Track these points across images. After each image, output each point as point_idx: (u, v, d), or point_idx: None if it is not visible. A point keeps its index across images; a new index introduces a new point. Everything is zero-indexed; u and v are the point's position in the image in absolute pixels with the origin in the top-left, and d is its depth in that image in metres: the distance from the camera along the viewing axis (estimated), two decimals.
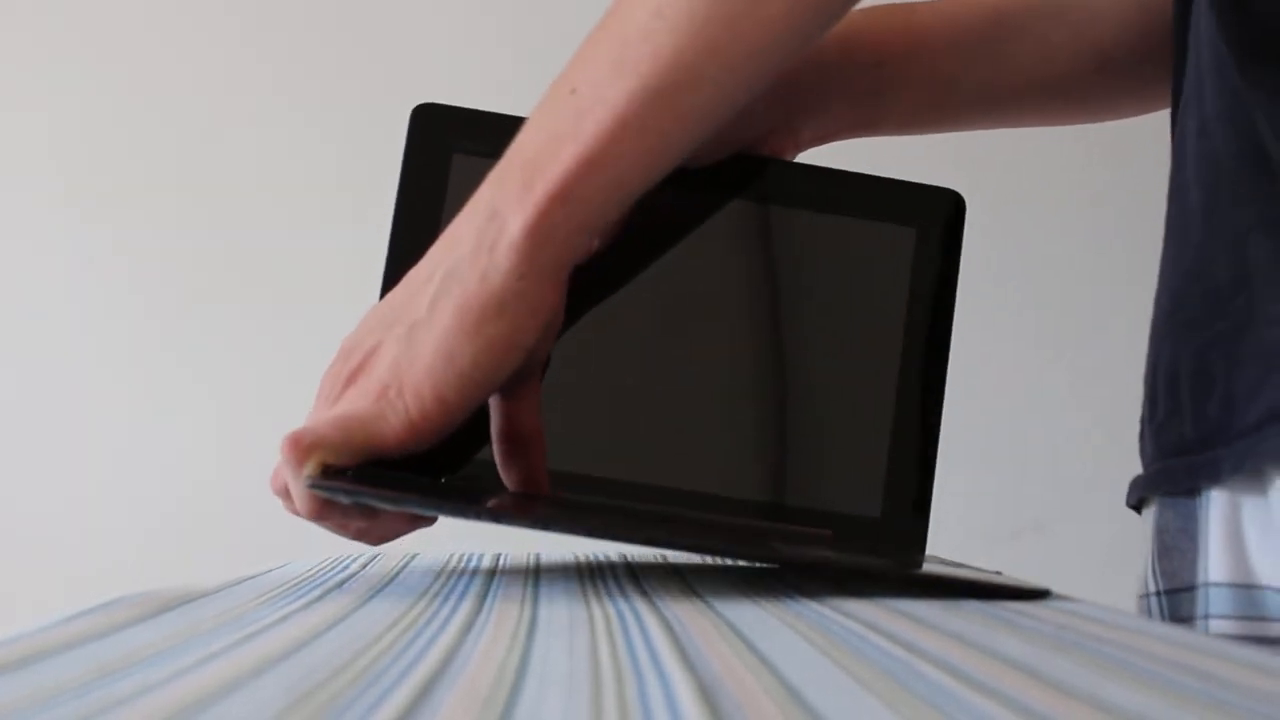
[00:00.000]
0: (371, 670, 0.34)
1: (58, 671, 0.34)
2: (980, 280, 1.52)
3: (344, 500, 0.54)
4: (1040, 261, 1.52)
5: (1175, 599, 0.64)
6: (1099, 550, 1.40)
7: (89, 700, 0.31)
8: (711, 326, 0.63)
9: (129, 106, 1.42)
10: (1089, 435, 1.43)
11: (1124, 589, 0.69)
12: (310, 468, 0.53)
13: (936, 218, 0.63)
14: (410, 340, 0.56)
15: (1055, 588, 0.52)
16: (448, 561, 0.68)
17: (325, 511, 0.56)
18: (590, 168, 0.55)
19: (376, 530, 0.58)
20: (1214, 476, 0.61)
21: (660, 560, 0.71)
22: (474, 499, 0.53)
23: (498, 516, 0.50)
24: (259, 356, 1.40)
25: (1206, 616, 0.61)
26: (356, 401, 0.56)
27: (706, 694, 0.32)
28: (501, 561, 0.68)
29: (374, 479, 0.53)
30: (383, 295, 0.61)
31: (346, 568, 0.65)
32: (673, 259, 0.63)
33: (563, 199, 0.55)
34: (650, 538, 0.48)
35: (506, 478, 0.61)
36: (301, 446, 0.54)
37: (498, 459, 0.61)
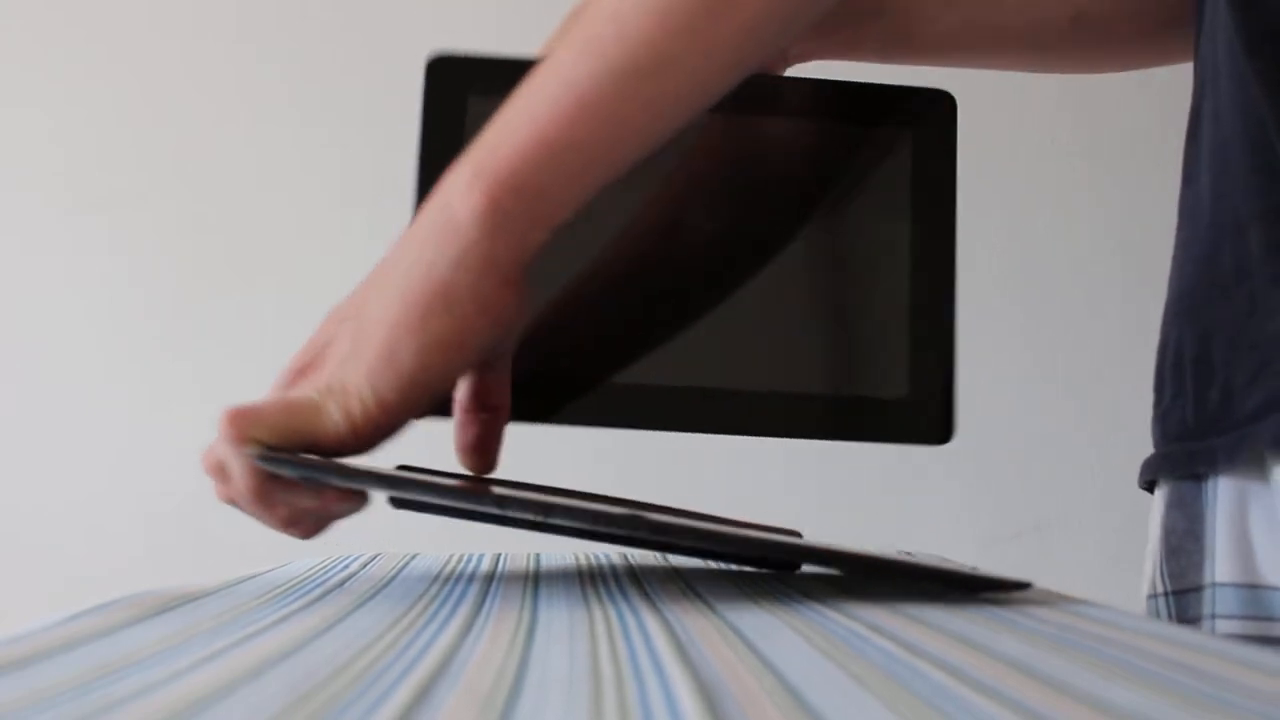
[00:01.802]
0: (371, 670, 0.34)
1: (58, 671, 0.34)
2: (980, 281, 1.52)
3: (290, 474, 0.51)
4: (1040, 262, 1.52)
5: (1183, 600, 0.64)
6: (1099, 550, 1.40)
7: (89, 700, 0.31)
8: (726, 236, 0.64)
9: (129, 106, 1.42)
10: (1089, 436, 1.43)
11: (1123, 588, 0.69)
12: (252, 445, 0.51)
13: (931, 117, 0.64)
14: (357, 336, 0.53)
15: (1055, 588, 0.52)
16: (447, 562, 0.68)
17: (264, 491, 0.52)
18: (545, 153, 0.51)
19: (309, 518, 0.54)
20: (1211, 463, 0.61)
21: (661, 561, 0.71)
22: (432, 485, 0.51)
23: (480, 500, 0.50)
24: (259, 356, 1.40)
25: (1214, 616, 0.61)
26: (303, 390, 0.53)
27: (707, 695, 0.32)
28: (501, 562, 0.68)
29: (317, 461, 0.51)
30: None
31: (346, 567, 0.65)
32: (678, 173, 0.64)
33: (515, 189, 0.51)
34: (670, 542, 0.48)
35: (460, 438, 0.59)
36: (244, 421, 0.51)
37: (456, 417, 0.59)
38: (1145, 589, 0.68)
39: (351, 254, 1.38)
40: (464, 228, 0.51)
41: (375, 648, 0.38)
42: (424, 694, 0.32)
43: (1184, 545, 0.64)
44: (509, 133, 0.52)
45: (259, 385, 1.50)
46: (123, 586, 0.53)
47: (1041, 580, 0.50)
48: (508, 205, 0.51)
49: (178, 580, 0.51)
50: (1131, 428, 1.45)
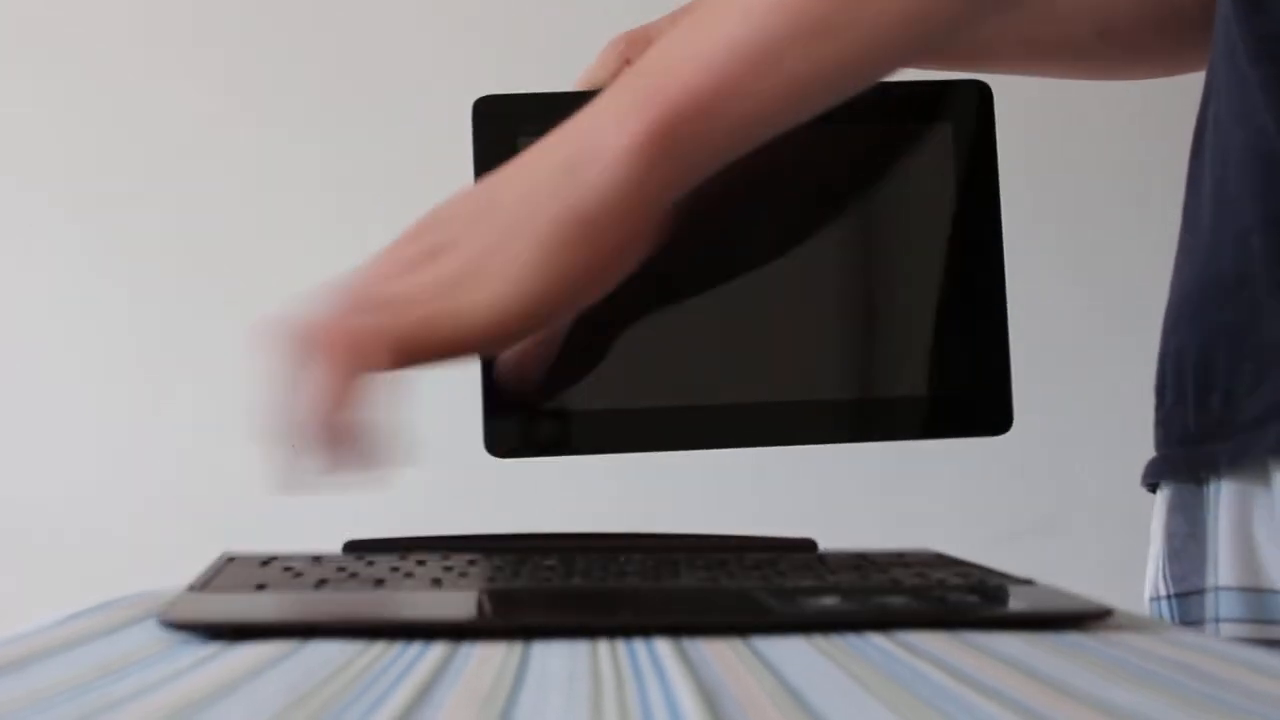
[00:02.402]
0: (371, 670, 0.34)
1: (58, 671, 0.34)
2: None
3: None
4: (1040, 264, 1.52)
5: (1185, 602, 0.64)
6: (1099, 551, 1.40)
7: (89, 700, 0.31)
8: (770, 246, 0.64)
9: (130, 106, 1.42)
10: (1089, 437, 1.43)
11: (1123, 589, 0.69)
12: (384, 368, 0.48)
13: (968, 109, 0.64)
14: (505, 240, 0.50)
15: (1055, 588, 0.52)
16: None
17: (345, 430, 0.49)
18: (717, 96, 0.50)
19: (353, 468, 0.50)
20: (1213, 468, 0.61)
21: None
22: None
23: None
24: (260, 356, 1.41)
25: (1217, 620, 0.61)
26: (438, 285, 0.50)
27: (707, 695, 0.32)
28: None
29: None
30: None
31: None
32: (718, 187, 0.62)
33: (681, 124, 0.50)
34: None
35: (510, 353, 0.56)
36: (381, 346, 0.48)
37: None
38: (1148, 591, 0.68)
39: (351, 254, 1.38)
40: (616, 157, 0.49)
41: (375, 647, 0.38)
42: (424, 694, 0.32)
43: (1186, 548, 0.64)
44: (681, 67, 0.50)
45: (262, 384, 1.48)
46: (123, 586, 0.53)
47: (1041, 580, 0.50)
48: (669, 140, 0.50)
49: (178, 580, 0.51)
50: (1133, 428, 1.45)
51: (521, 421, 0.60)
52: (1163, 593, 0.65)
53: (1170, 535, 0.65)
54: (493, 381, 0.59)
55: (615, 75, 0.62)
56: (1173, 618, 0.64)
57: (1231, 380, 0.60)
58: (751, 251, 0.63)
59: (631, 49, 0.65)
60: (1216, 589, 0.61)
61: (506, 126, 0.61)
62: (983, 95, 0.64)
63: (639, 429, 0.61)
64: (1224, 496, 0.61)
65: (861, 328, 0.64)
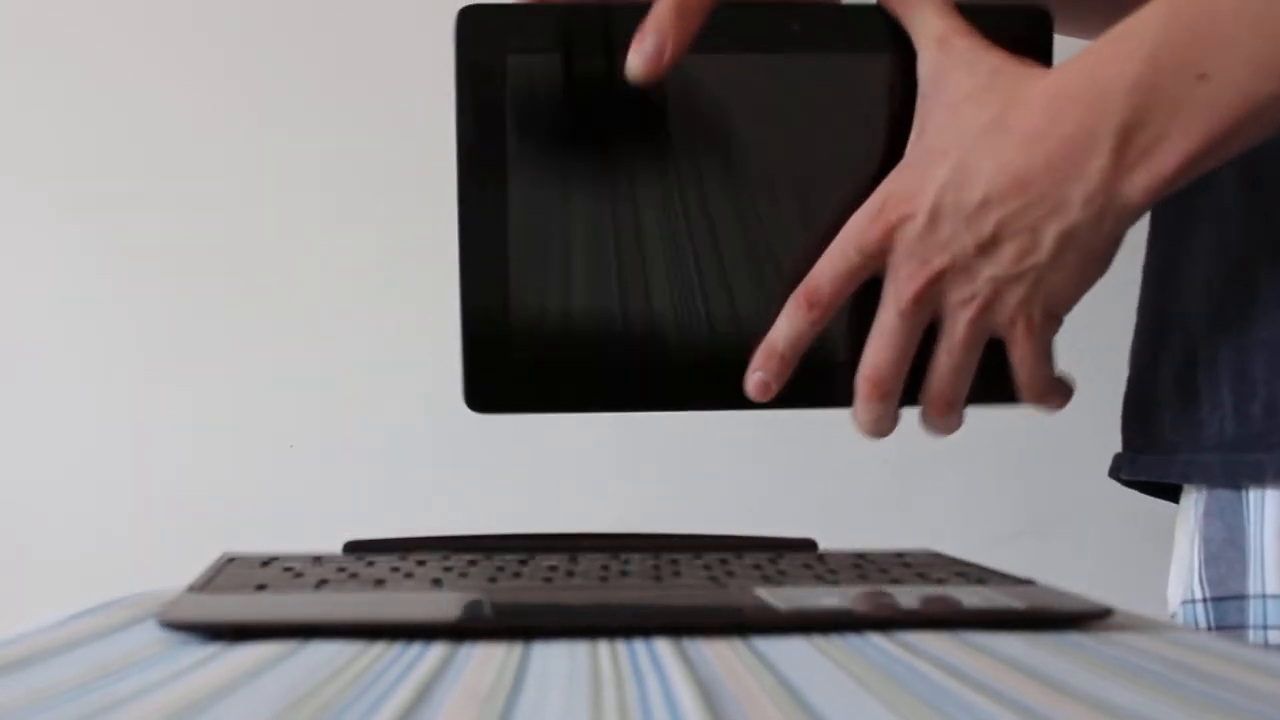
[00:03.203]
0: (371, 670, 0.34)
1: (58, 671, 0.34)
2: None
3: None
4: None
5: (1222, 606, 0.63)
6: (1098, 551, 1.40)
7: (89, 700, 0.31)
8: (822, 188, 0.58)
9: (131, 106, 1.42)
10: (1089, 437, 1.43)
11: (1123, 589, 0.69)
12: None
13: (1029, 34, 0.59)
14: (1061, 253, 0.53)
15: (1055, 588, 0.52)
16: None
17: None
18: (1208, 151, 0.52)
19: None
20: (1259, 478, 0.61)
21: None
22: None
23: None
24: (259, 357, 1.40)
25: (1265, 627, 0.61)
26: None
27: (707, 695, 0.32)
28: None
29: None
30: (462, 219, 0.56)
31: None
32: (781, 121, 0.58)
33: (1170, 182, 0.52)
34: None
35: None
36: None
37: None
38: (1177, 594, 0.67)
39: (354, 254, 1.38)
40: (1133, 208, 0.52)
41: (375, 648, 0.38)
42: (424, 694, 0.32)
43: (1223, 553, 0.63)
44: (1185, 127, 0.52)
45: (259, 386, 1.48)
46: (123, 586, 0.53)
47: (1041, 580, 0.50)
48: (1159, 192, 0.52)
49: (178, 580, 0.51)
50: None
51: (500, 376, 0.57)
52: (1198, 596, 0.65)
53: (1207, 540, 0.64)
54: (472, 336, 0.56)
55: None
56: (1208, 621, 0.64)
57: (1272, 390, 0.60)
58: (761, 195, 0.59)
59: None
60: (1264, 596, 0.61)
61: (494, 41, 0.56)
62: (1044, 18, 0.60)
63: (622, 388, 0.57)
64: (1270, 505, 0.61)
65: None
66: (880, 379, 0.54)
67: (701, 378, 0.57)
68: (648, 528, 0.62)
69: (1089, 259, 0.53)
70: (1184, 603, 0.66)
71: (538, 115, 0.57)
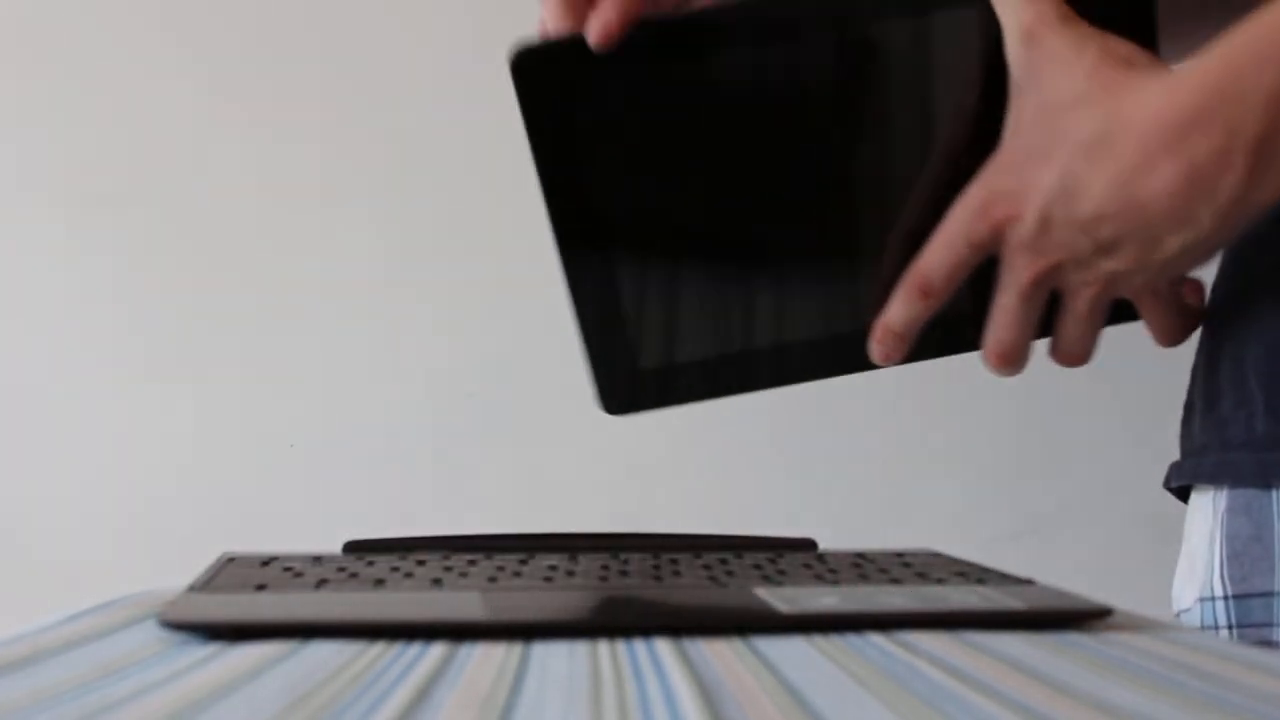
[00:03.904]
0: (371, 670, 0.34)
1: (58, 671, 0.34)
2: None
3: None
4: None
5: (1245, 604, 0.63)
6: (1098, 551, 1.40)
7: (89, 700, 0.31)
8: (914, 153, 0.58)
9: (132, 106, 1.42)
10: (1089, 437, 1.43)
11: (1123, 589, 0.69)
12: None
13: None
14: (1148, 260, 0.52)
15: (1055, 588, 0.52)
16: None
17: None
18: None
19: None
20: None
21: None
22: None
23: None
24: (259, 357, 1.40)
25: None
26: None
27: (707, 695, 0.32)
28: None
29: None
30: (562, 251, 0.57)
31: None
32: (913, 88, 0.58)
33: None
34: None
35: None
36: None
37: None
38: (1189, 591, 0.67)
39: (354, 254, 1.38)
40: (1238, 201, 0.50)
41: (375, 648, 0.38)
42: (424, 694, 0.32)
43: (1248, 550, 0.63)
44: None
45: (258, 386, 1.49)
46: (123, 586, 0.53)
47: (1041, 580, 0.50)
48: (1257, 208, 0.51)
49: (178, 580, 0.51)
50: (1133, 428, 1.45)
51: (627, 381, 0.58)
52: (1218, 593, 0.65)
53: (1230, 537, 0.64)
54: (593, 349, 0.58)
55: None
56: (1229, 619, 0.64)
57: None
58: (852, 174, 0.59)
59: None
60: None
61: (554, 74, 0.56)
62: None
63: (737, 372, 0.58)
64: None
65: None
66: (1006, 353, 0.56)
67: (816, 351, 0.58)
68: (648, 528, 0.62)
69: (1215, 248, 0.53)
70: (1201, 600, 0.66)
71: (612, 131, 0.57)
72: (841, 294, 0.58)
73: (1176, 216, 0.51)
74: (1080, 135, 0.52)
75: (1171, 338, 0.58)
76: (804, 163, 0.58)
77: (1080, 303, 0.55)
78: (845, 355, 0.57)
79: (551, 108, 0.56)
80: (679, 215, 0.58)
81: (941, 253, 0.55)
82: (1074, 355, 0.57)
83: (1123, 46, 0.53)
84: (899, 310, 0.56)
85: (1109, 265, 0.53)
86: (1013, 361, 0.56)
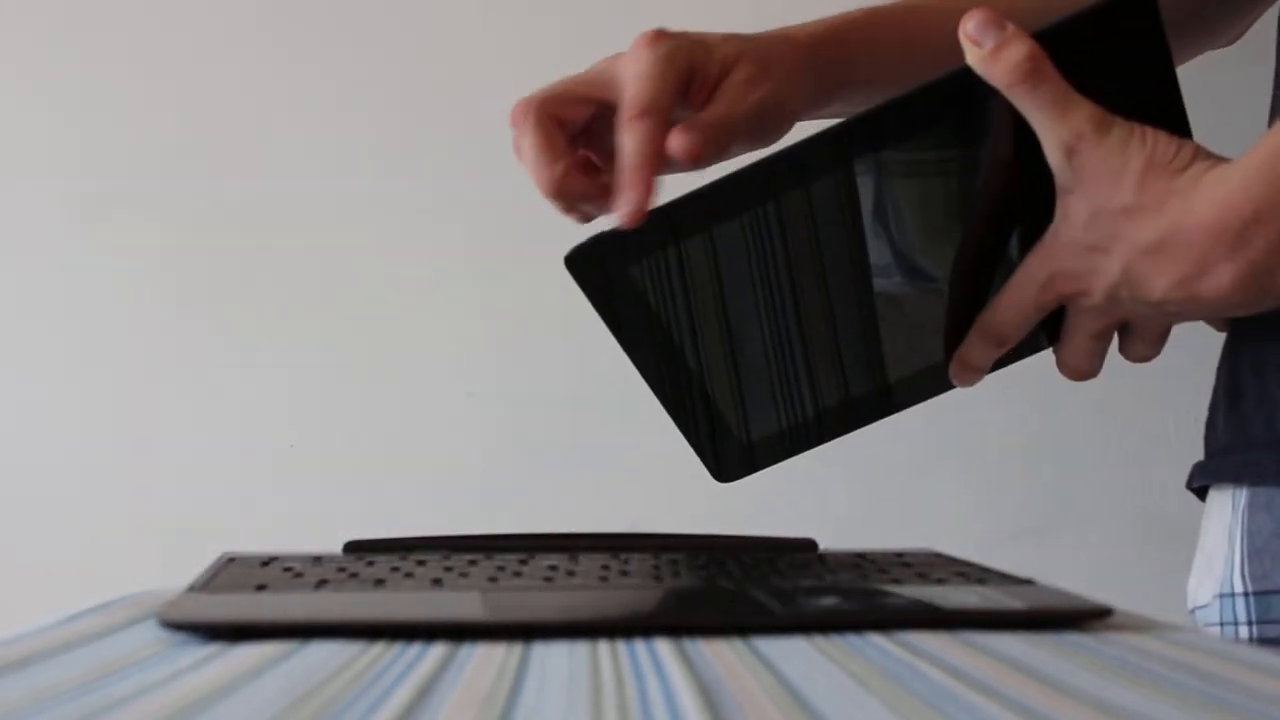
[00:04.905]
0: (371, 670, 0.34)
1: (58, 671, 0.34)
2: None
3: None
4: None
5: (1266, 600, 0.63)
6: (1098, 551, 1.40)
7: (89, 700, 0.31)
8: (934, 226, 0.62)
9: (132, 106, 1.42)
10: (1089, 437, 1.43)
11: (1123, 589, 0.69)
12: None
13: (1135, 27, 0.57)
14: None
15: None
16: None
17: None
18: None
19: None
20: None
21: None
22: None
23: None
24: (259, 357, 1.40)
25: None
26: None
27: (707, 695, 0.32)
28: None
29: None
30: (656, 390, 0.64)
31: None
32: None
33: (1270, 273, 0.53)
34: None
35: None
36: None
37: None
38: (1206, 589, 0.67)
39: (354, 254, 1.38)
40: (1226, 292, 0.53)
41: (375, 648, 0.38)
42: (424, 694, 0.32)
43: (1269, 547, 0.63)
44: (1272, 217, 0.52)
45: (257, 387, 1.48)
46: (123, 586, 0.53)
47: (1041, 580, 0.50)
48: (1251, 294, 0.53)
49: (178, 580, 0.51)
50: (1133, 428, 1.45)
51: (730, 451, 0.64)
52: (1238, 590, 0.65)
53: (1251, 534, 0.64)
54: (698, 433, 0.64)
55: (674, 88, 0.60)
56: (1249, 615, 0.64)
57: None
58: (916, 235, 0.62)
59: (689, 55, 0.62)
60: None
61: (610, 268, 0.62)
62: (1147, 7, 0.57)
63: (832, 418, 0.64)
64: None
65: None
66: (1082, 375, 0.61)
67: (894, 388, 0.64)
68: (648, 528, 0.62)
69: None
70: (1220, 596, 0.66)
71: (667, 287, 0.63)
72: (873, 356, 0.64)
73: (1237, 305, 0.54)
74: (1138, 240, 0.54)
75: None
76: (849, 266, 0.63)
77: (1147, 332, 0.59)
78: (930, 382, 0.63)
79: (611, 291, 0.62)
80: (746, 334, 0.64)
81: (1010, 312, 0.58)
82: (1142, 358, 0.61)
83: (1162, 144, 0.54)
84: (975, 350, 0.61)
85: (1172, 313, 0.57)
86: (1088, 378, 0.62)
